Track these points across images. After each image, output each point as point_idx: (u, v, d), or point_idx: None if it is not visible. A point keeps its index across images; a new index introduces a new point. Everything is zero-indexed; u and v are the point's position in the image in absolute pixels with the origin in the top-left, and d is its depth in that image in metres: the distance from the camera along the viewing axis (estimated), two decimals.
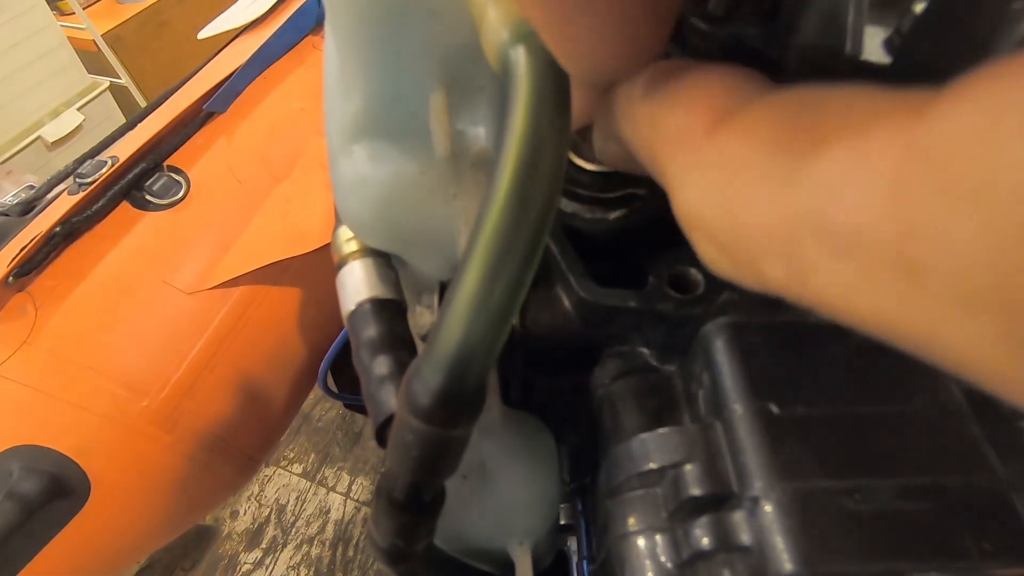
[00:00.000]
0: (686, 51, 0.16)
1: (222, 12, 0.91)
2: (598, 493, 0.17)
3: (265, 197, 0.68)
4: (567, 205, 0.17)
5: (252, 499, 1.08)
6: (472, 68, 0.17)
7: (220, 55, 0.83)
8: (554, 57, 0.12)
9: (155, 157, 0.67)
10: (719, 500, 0.13)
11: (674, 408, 0.16)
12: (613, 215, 0.17)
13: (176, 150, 0.69)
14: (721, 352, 0.14)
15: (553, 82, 0.12)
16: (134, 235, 0.62)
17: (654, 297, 0.16)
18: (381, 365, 0.16)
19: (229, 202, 0.66)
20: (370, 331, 0.17)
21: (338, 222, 0.19)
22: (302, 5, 0.85)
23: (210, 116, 0.72)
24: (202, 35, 0.87)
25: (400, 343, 0.17)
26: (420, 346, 0.18)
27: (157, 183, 0.66)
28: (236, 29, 0.86)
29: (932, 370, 0.15)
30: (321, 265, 0.64)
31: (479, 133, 0.18)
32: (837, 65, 0.14)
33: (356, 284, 0.17)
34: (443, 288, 0.19)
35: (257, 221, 0.66)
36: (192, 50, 1.20)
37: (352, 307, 0.17)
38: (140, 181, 0.65)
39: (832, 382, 0.14)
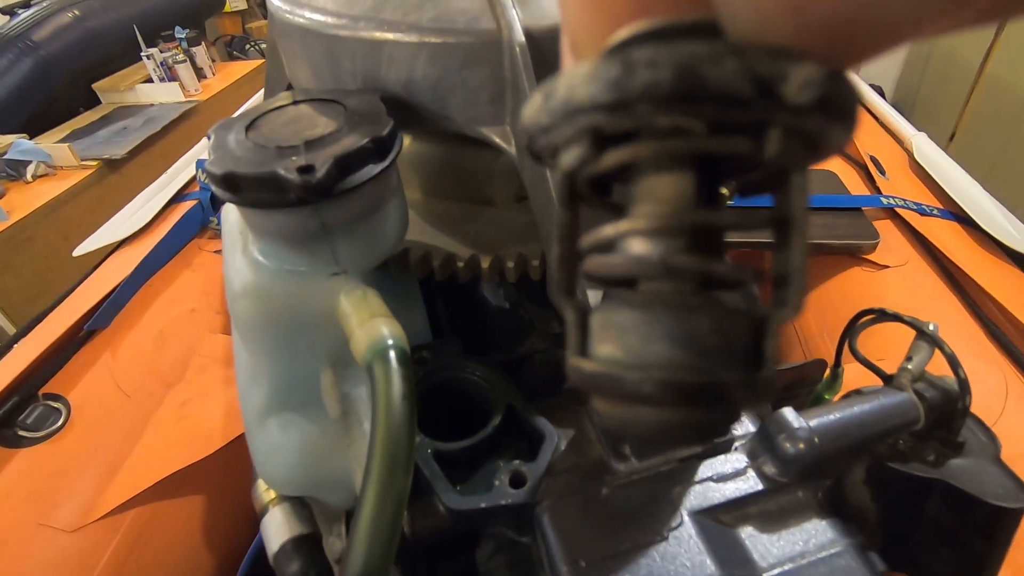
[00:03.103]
0: None
1: (96, 228, 0.92)
2: None
3: (157, 406, 0.67)
4: (436, 444, 0.24)
5: None
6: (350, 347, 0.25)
7: (98, 271, 0.83)
8: (400, 365, 0.19)
9: (28, 388, 0.65)
10: None
11: (537, 573, 0.22)
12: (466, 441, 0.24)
13: (53, 375, 0.67)
14: (547, 527, 0.21)
15: (401, 385, 0.19)
16: (3, 478, 0.58)
17: (499, 495, 0.22)
18: None
19: (117, 420, 0.64)
20: (293, 567, 0.21)
21: (255, 476, 0.24)
22: (186, 213, 0.90)
23: (91, 334, 0.72)
24: (78, 252, 0.87)
25: (320, 572, 0.21)
26: (336, 568, 0.23)
27: (31, 415, 0.64)
28: (114, 243, 0.88)
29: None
30: (228, 465, 0.62)
31: (360, 393, 0.24)
32: None
33: (278, 527, 0.22)
34: (347, 516, 0.24)
35: (149, 433, 0.65)
36: (59, 264, 1.18)
37: (276, 548, 0.22)
38: (12, 417, 0.62)
39: (620, 524, 0.21)
